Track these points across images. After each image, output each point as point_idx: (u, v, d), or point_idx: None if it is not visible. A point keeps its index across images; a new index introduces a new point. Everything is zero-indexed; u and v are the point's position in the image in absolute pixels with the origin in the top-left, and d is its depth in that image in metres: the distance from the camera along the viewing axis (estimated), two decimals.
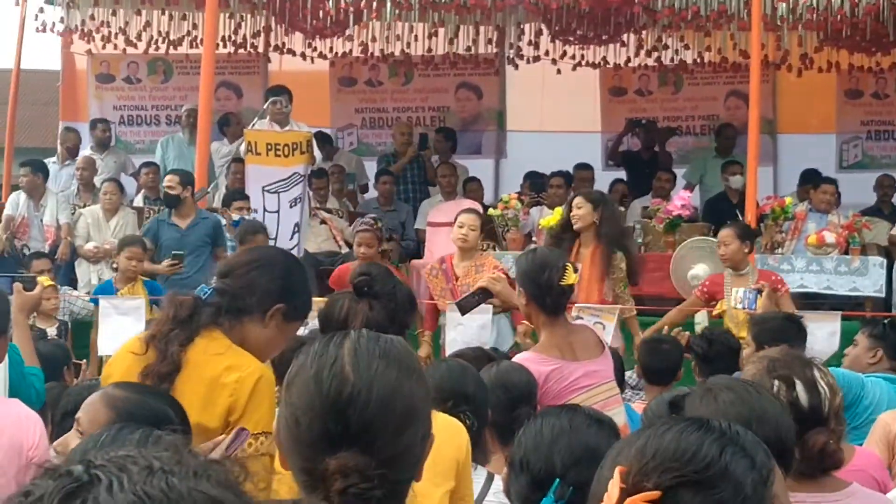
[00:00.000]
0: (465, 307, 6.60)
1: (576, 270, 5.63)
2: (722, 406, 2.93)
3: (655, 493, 1.82)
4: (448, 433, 3.67)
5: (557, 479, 2.75)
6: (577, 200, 9.17)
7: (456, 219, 9.62)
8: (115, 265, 10.32)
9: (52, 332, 9.67)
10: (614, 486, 1.87)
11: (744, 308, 8.56)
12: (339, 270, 10.01)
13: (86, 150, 14.58)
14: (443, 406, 3.99)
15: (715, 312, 9.34)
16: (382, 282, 4.06)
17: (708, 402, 3.00)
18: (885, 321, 6.92)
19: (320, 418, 2.17)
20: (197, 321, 3.68)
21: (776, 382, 3.34)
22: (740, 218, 10.86)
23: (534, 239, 11.28)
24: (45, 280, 10.17)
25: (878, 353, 6.40)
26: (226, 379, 3.57)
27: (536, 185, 13.69)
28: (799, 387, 3.33)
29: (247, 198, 11.40)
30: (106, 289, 10.26)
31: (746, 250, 9.23)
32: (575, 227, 9.02)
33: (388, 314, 4.03)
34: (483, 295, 6.36)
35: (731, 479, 1.85)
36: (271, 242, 11.17)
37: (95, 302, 10.04)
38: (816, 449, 3.24)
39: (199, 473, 1.23)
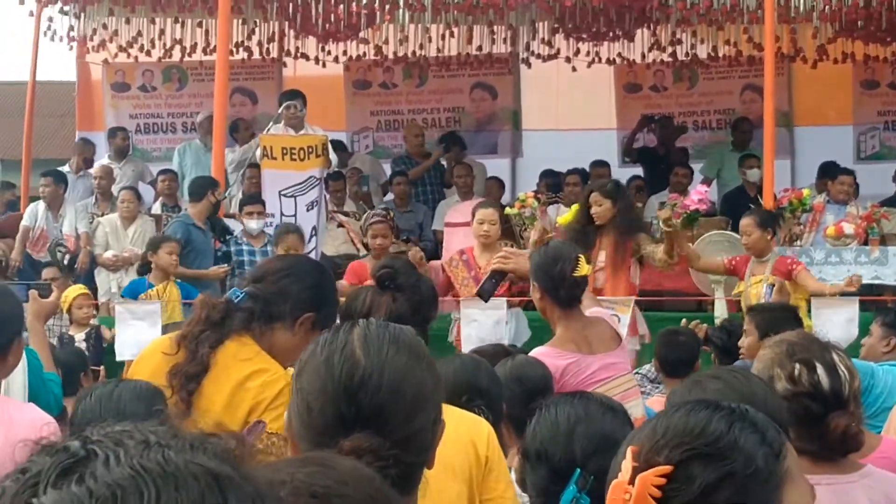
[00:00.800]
0: (485, 293, 6.57)
1: (588, 261, 5.61)
2: (710, 394, 2.93)
3: (667, 468, 1.83)
4: (468, 428, 3.65)
5: (578, 469, 2.73)
6: (595, 197, 9.24)
7: (474, 215, 9.62)
8: (150, 266, 10.32)
9: (80, 337, 9.73)
10: (627, 465, 1.87)
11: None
12: (353, 266, 9.99)
13: (103, 159, 14.61)
14: (457, 401, 3.96)
15: (734, 292, 9.52)
16: (406, 274, 4.04)
17: (696, 392, 3.03)
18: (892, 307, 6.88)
19: (332, 402, 2.18)
20: (229, 325, 3.69)
21: (797, 366, 3.32)
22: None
23: (551, 235, 11.25)
24: (80, 288, 10.29)
25: (891, 342, 6.36)
26: (251, 383, 3.58)
27: (552, 184, 13.68)
28: (820, 370, 3.30)
29: (259, 202, 11.38)
30: (139, 286, 10.30)
31: (769, 237, 9.30)
32: (597, 223, 9.17)
33: (411, 307, 3.99)
34: (498, 276, 6.33)
35: (742, 450, 1.86)
36: None
37: (128, 295, 10.14)
38: (839, 431, 3.23)
39: (195, 446, 1.23)
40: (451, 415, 3.48)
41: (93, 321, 10.20)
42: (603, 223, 9.15)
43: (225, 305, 3.75)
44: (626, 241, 9.20)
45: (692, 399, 2.70)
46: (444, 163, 14.76)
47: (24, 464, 1.23)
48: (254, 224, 11.04)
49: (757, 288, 9.13)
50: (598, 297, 8.13)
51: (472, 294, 9.08)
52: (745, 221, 9.40)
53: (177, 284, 10.17)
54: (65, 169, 14.10)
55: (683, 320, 7.65)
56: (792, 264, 9.24)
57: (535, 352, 5.64)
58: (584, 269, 5.50)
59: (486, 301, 6.96)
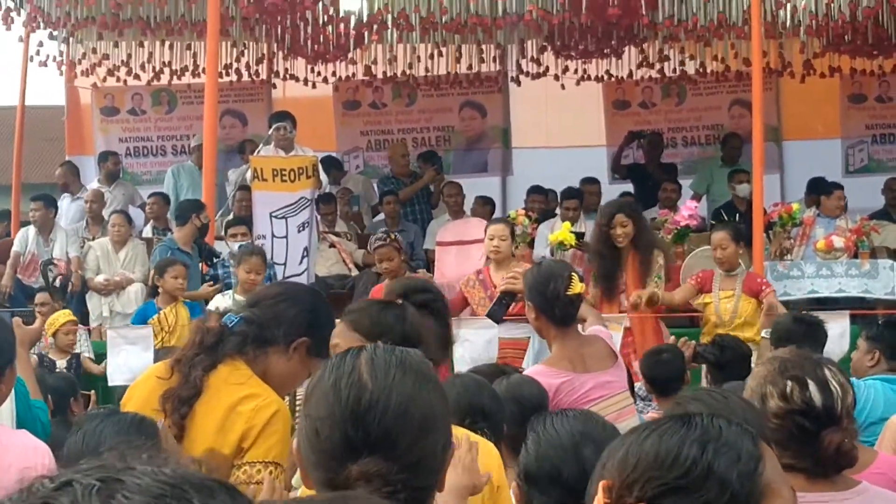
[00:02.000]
0: (495, 315, 6.57)
1: (581, 280, 5.62)
2: None
3: None
4: (483, 455, 3.57)
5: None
6: (621, 218, 9.30)
7: (486, 231, 9.70)
8: (158, 290, 10.31)
9: (61, 363, 9.70)
10: (599, 501, 1.87)
11: None
12: (376, 291, 9.96)
13: (93, 183, 14.61)
14: (460, 423, 3.91)
15: (696, 303, 9.52)
16: (443, 301, 3.98)
17: (676, 412, 3.02)
18: (881, 321, 6.83)
19: (340, 427, 2.18)
20: (222, 349, 3.69)
21: (789, 383, 3.33)
22: (746, 226, 10.86)
23: (543, 256, 11.25)
24: (67, 314, 10.27)
25: (875, 355, 6.25)
26: (243, 408, 3.58)
27: (540, 201, 13.73)
28: (812, 387, 3.31)
29: (243, 223, 11.38)
30: (148, 310, 10.29)
31: (741, 251, 9.39)
32: (621, 244, 9.26)
33: (441, 334, 3.97)
34: (508, 297, 6.33)
35: (716, 477, 1.85)
36: (280, 268, 11.22)
37: (136, 323, 10.13)
38: (832, 448, 3.23)
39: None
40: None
41: (76, 349, 10.21)
42: (625, 244, 9.26)
43: (219, 329, 3.75)
44: (648, 258, 9.30)
45: (668, 418, 2.71)
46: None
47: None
48: (236, 247, 11.00)
49: (729, 303, 9.20)
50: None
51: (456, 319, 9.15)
52: (720, 235, 9.47)
53: (185, 305, 10.16)
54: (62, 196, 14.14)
55: (672, 337, 7.65)
56: (763, 285, 9.30)
57: (530, 371, 5.67)
58: (576, 287, 5.50)
59: (497, 323, 6.95)
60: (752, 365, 7.34)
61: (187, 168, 14.56)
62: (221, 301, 9.49)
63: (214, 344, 3.71)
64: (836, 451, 3.24)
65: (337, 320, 3.76)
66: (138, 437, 3.26)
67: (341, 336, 3.48)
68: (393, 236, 10.29)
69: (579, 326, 5.90)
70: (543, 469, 2.97)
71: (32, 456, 3.80)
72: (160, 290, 10.18)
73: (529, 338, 8.59)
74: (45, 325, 5.65)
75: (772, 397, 3.33)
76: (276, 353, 3.71)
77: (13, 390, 4.55)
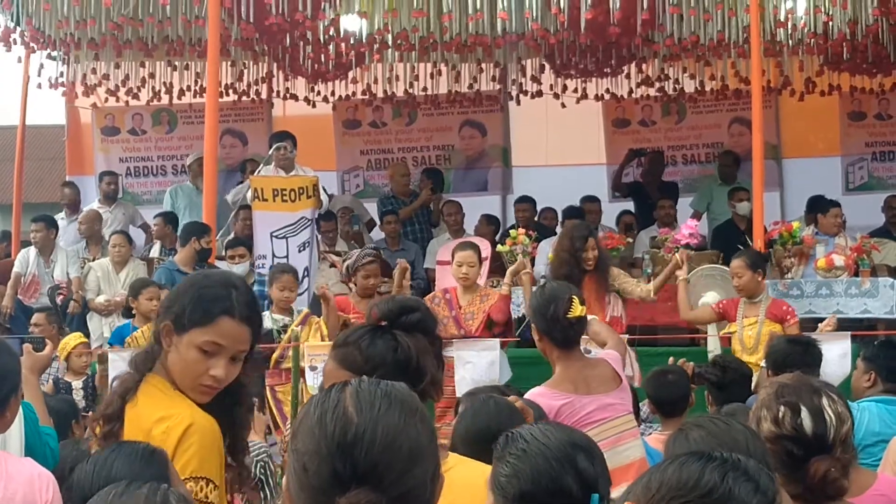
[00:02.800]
0: (525, 335, 6.58)
1: (583, 302, 5.61)
2: (693, 444, 3.01)
3: None
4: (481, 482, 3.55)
5: (595, 496, 2.74)
6: (592, 242, 9.50)
7: (453, 257, 9.78)
8: (133, 311, 10.30)
9: (77, 384, 9.69)
10: None
11: None
12: (339, 302, 9.98)
13: (94, 204, 14.61)
14: (487, 446, 3.94)
15: (723, 332, 9.60)
16: (433, 319, 3.74)
17: (680, 441, 3.08)
18: (876, 342, 6.78)
19: (327, 461, 2.18)
20: (140, 368, 3.67)
21: (782, 408, 3.36)
22: (748, 244, 10.87)
23: (543, 276, 11.25)
24: (79, 336, 10.25)
25: (871, 376, 6.21)
26: (156, 431, 3.51)
27: (528, 215, 13.84)
28: (804, 413, 3.34)
29: (241, 244, 11.36)
30: (124, 330, 10.30)
31: (759, 278, 9.36)
32: (589, 268, 9.47)
33: (436, 353, 3.79)
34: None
35: (737, 500, 1.87)
36: None
37: (113, 343, 10.12)
38: (818, 476, 3.24)
39: None
40: (472, 468, 3.47)
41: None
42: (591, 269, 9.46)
43: (143, 350, 3.76)
44: (603, 279, 9.52)
45: (681, 451, 2.72)
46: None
47: None
48: (236, 269, 11.01)
49: (752, 330, 9.18)
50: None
51: (450, 334, 9.18)
52: (736, 263, 9.46)
53: None
54: (61, 216, 14.12)
55: (671, 358, 7.64)
56: (787, 314, 9.28)
57: (532, 392, 5.65)
58: (577, 309, 5.51)
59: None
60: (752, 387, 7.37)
61: (185, 189, 14.56)
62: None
63: (136, 365, 3.69)
64: (822, 479, 3.25)
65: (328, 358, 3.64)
66: (148, 468, 3.23)
67: (332, 376, 3.38)
68: (381, 254, 10.37)
69: (598, 349, 5.92)
70: (525, 488, 2.87)
71: (37, 485, 3.81)
72: (134, 311, 10.18)
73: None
74: (55, 350, 5.60)
75: (765, 421, 3.37)
76: (165, 353, 3.65)
77: (23, 417, 4.57)
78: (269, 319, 9.52)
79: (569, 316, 5.50)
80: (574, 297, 5.58)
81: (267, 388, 9.01)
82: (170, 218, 13.41)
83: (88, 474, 3.26)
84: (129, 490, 2.78)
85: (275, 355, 9.40)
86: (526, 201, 14.18)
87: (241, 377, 3.74)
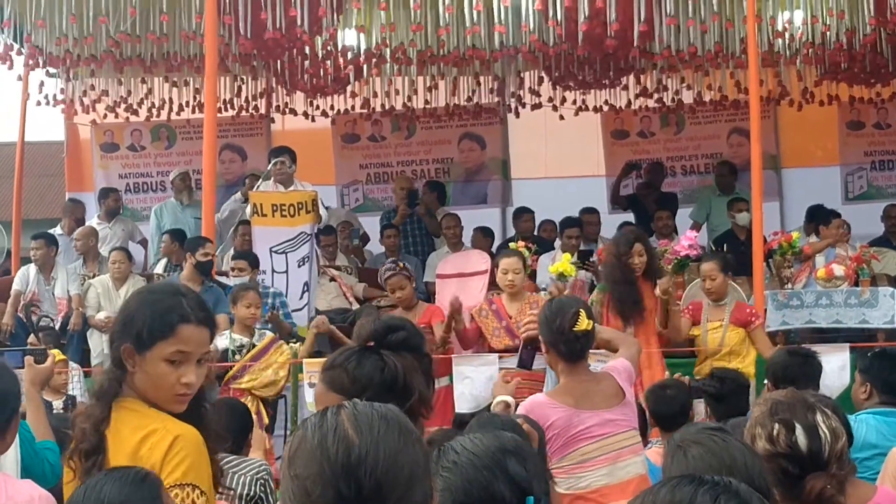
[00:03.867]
0: (525, 364, 6.57)
1: (590, 316, 5.61)
2: (692, 461, 3.00)
3: None
4: None
5: (531, 498, 2.75)
6: (639, 247, 9.35)
7: (498, 265, 9.76)
8: None
9: (58, 404, 9.65)
10: None
11: None
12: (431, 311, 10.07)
13: (92, 220, 14.62)
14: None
15: (689, 332, 9.62)
16: (420, 337, 3.75)
17: (679, 458, 3.07)
18: (870, 353, 6.73)
19: (331, 484, 2.19)
20: (107, 395, 3.65)
21: (776, 426, 3.37)
22: (746, 255, 10.87)
23: (545, 287, 11.24)
24: (57, 354, 10.22)
25: (867, 388, 6.09)
26: (143, 451, 3.52)
27: (526, 227, 13.86)
28: (799, 430, 3.34)
29: (244, 258, 11.27)
30: None
31: (729, 281, 9.42)
32: (638, 273, 9.28)
33: (424, 371, 3.75)
34: (532, 343, 6.34)
35: None
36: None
37: None
38: (814, 494, 3.24)
39: None
40: None
41: (69, 390, 10.17)
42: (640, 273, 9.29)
43: (106, 373, 3.74)
44: (654, 287, 9.29)
45: (679, 468, 2.73)
46: (425, 214, 14.74)
47: None
48: (238, 281, 10.91)
49: (717, 333, 9.21)
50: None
51: (504, 345, 9.15)
52: (709, 266, 9.54)
53: None
54: (56, 231, 14.11)
55: (666, 372, 7.65)
56: (751, 316, 9.33)
57: (531, 399, 5.72)
58: (583, 323, 5.52)
59: (529, 370, 6.96)
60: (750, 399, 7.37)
61: (169, 205, 14.56)
62: (219, 341, 9.42)
63: (103, 392, 3.67)
64: (818, 496, 3.25)
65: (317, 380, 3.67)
66: (139, 491, 3.26)
67: (322, 399, 3.39)
68: (402, 265, 10.36)
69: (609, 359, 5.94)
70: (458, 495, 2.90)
71: None
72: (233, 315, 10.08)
73: (545, 370, 8.55)
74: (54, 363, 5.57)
75: (759, 439, 3.39)
76: (130, 375, 3.64)
77: (17, 436, 4.56)
78: (228, 339, 9.49)
79: (575, 329, 5.52)
80: (581, 310, 5.59)
81: None
82: (178, 235, 13.35)
83: (79, 498, 3.28)
84: None
85: (230, 373, 9.34)
86: (526, 212, 14.17)
87: (204, 385, 3.77)
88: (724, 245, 12.76)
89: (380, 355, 3.41)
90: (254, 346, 9.55)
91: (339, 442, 2.22)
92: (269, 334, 9.80)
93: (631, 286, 9.14)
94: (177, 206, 14.31)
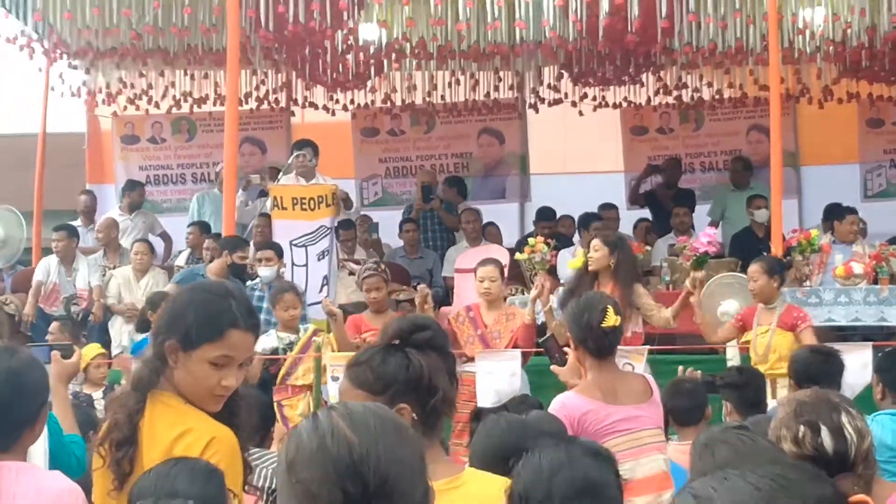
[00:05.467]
0: (557, 360, 6.60)
1: (618, 312, 5.65)
2: (720, 461, 3.03)
3: None
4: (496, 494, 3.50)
5: None
6: (595, 243, 9.33)
7: (476, 272, 9.68)
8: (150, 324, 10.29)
9: (98, 395, 9.70)
10: None
11: None
12: (352, 319, 10.00)
13: (113, 211, 14.68)
14: (504, 464, 3.82)
15: (741, 341, 9.51)
16: (445, 338, 3.67)
17: (706, 458, 3.11)
18: (880, 353, 6.67)
19: (337, 484, 2.22)
20: (144, 387, 3.65)
21: (802, 428, 3.37)
22: (766, 252, 10.86)
23: (563, 282, 11.26)
24: (97, 347, 10.26)
25: (881, 388, 6.03)
26: (177, 448, 3.51)
27: (549, 226, 13.83)
28: (824, 432, 3.34)
29: (269, 248, 11.21)
30: (144, 345, 10.31)
31: (776, 284, 9.29)
32: (590, 268, 9.24)
33: (448, 371, 3.68)
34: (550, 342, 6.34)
35: None
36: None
37: (136, 352, 10.16)
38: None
39: None
40: (485, 480, 3.47)
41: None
42: (596, 269, 9.20)
43: (141, 366, 3.73)
44: (625, 293, 9.07)
45: (708, 468, 2.74)
46: (441, 209, 14.76)
47: None
48: (265, 272, 10.84)
49: (764, 338, 9.15)
50: None
51: (478, 351, 9.14)
52: (753, 268, 9.43)
53: None
54: (76, 223, 14.17)
55: (680, 368, 7.63)
56: (798, 319, 9.19)
57: (562, 396, 5.76)
58: (611, 319, 5.59)
59: (552, 358, 6.98)
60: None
61: (212, 196, 14.47)
62: (266, 341, 9.46)
63: (140, 383, 3.67)
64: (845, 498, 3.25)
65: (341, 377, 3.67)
66: (209, 485, 3.30)
67: (346, 396, 3.37)
68: (382, 267, 10.34)
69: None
70: (517, 490, 3.02)
71: (67, 500, 3.80)
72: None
73: None
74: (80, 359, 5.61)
75: (785, 441, 3.37)
76: (171, 370, 3.63)
77: (46, 428, 4.59)
78: (276, 338, 9.55)
79: (603, 325, 5.59)
80: (609, 306, 5.66)
81: (275, 403, 9.01)
82: (205, 228, 13.37)
83: (150, 485, 3.30)
84: None
85: (282, 371, 9.42)
86: (546, 219, 14.14)
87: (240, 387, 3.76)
88: (744, 243, 12.76)
89: (405, 353, 3.39)
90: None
91: (338, 443, 2.25)
92: (311, 326, 9.84)
93: (578, 281, 9.14)
94: (219, 197, 14.21)
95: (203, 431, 3.54)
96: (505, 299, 10.03)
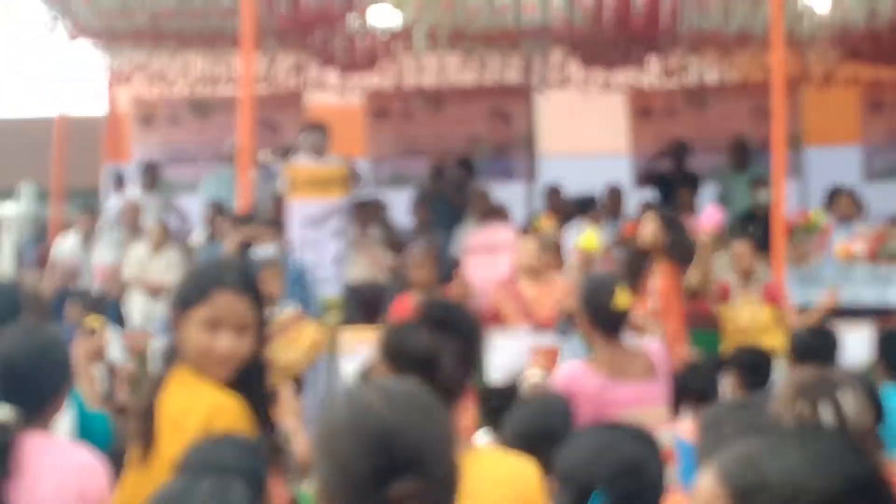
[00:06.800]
0: (566, 330, 6.72)
1: (638, 287, 5.75)
2: (726, 438, 3.04)
3: None
4: (518, 474, 3.51)
5: (594, 493, 2.94)
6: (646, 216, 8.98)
7: (515, 246, 9.79)
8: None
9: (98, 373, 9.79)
10: None
11: None
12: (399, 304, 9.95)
13: (130, 189, 14.87)
14: (534, 445, 4.01)
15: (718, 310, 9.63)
16: (466, 320, 3.67)
17: (713, 435, 3.17)
18: (882, 332, 6.73)
19: (368, 458, 2.28)
20: (165, 360, 3.78)
21: (802, 406, 3.43)
22: (766, 233, 11.02)
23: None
24: (94, 319, 10.35)
25: (881, 366, 6.13)
26: (184, 422, 3.56)
27: (559, 205, 14.00)
28: (824, 409, 3.39)
29: (269, 225, 11.29)
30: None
31: (759, 260, 9.44)
32: (641, 245, 8.69)
33: (464, 354, 3.64)
34: (570, 316, 6.44)
35: None
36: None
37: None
38: None
39: None
40: (497, 459, 3.59)
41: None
42: (648, 248, 8.65)
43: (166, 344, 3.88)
44: (680, 270, 8.68)
45: (715, 445, 2.91)
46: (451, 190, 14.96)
47: None
48: (264, 250, 10.95)
49: (749, 310, 9.28)
50: None
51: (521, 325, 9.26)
52: (738, 244, 9.57)
53: None
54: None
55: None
56: (781, 292, 9.35)
57: (567, 366, 5.93)
58: (622, 300, 5.68)
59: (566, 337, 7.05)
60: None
61: (221, 175, 14.55)
62: None
63: (162, 358, 3.83)
64: None
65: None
66: (254, 460, 3.33)
67: (375, 371, 3.49)
68: (432, 246, 10.43)
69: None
70: (562, 470, 3.12)
71: (90, 473, 3.93)
72: None
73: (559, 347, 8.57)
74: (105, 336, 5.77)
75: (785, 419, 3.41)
76: (182, 341, 3.73)
77: (69, 402, 4.67)
78: None
79: (614, 303, 5.67)
80: (620, 287, 5.73)
81: None
82: (220, 207, 13.58)
83: (196, 461, 3.29)
84: (191, 486, 2.91)
85: None
86: (555, 192, 14.32)
87: (260, 355, 3.80)
88: (745, 224, 12.90)
89: (430, 333, 3.46)
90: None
91: (370, 416, 2.30)
92: (290, 311, 9.71)
93: (633, 259, 8.74)
94: (228, 175, 14.27)
95: (204, 403, 3.59)
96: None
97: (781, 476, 1.86)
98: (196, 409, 3.57)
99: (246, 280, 3.78)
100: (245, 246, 10.88)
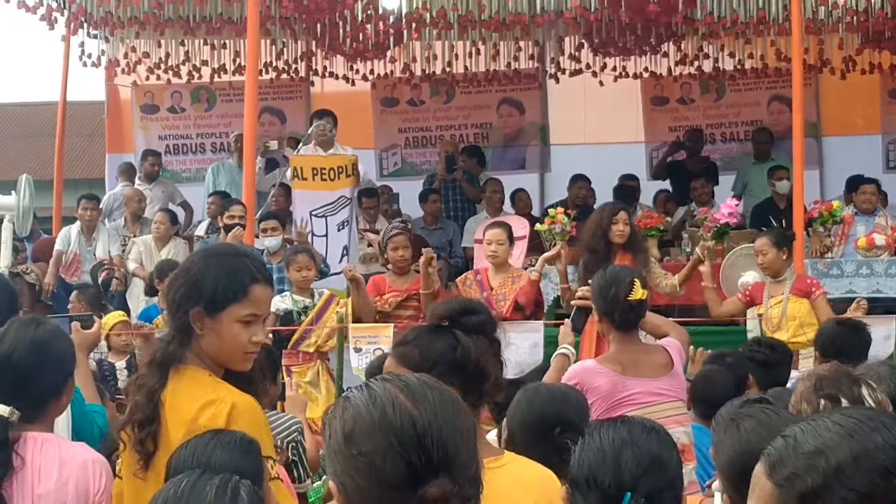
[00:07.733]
0: (576, 324, 6.68)
1: (644, 286, 5.67)
2: (744, 434, 3.05)
3: None
4: (547, 480, 3.48)
5: (629, 493, 2.80)
6: (623, 215, 9.13)
7: (484, 236, 9.71)
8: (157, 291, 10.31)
9: (121, 365, 9.65)
10: None
11: None
12: (374, 280, 10.01)
13: (134, 182, 14.70)
14: (550, 433, 4.04)
15: (755, 312, 9.50)
16: (493, 323, 3.67)
17: (731, 432, 3.11)
18: None
19: (402, 456, 2.20)
20: (166, 361, 3.66)
21: (822, 402, 3.37)
22: (786, 223, 10.82)
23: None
24: (119, 315, 10.22)
25: None
26: (202, 419, 3.51)
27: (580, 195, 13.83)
28: (845, 405, 3.33)
29: (274, 218, 11.24)
30: (151, 312, 10.37)
31: (784, 257, 9.27)
32: (617, 241, 8.94)
33: (495, 354, 3.66)
34: (585, 311, 6.39)
35: None
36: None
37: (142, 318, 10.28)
38: None
39: None
40: (524, 462, 3.50)
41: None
42: (621, 242, 8.95)
43: (158, 342, 3.78)
44: (638, 260, 8.87)
45: (733, 442, 2.72)
46: (463, 180, 14.74)
47: None
48: (269, 241, 10.91)
49: (778, 308, 9.13)
50: None
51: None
52: (761, 241, 9.41)
53: None
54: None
55: (700, 350, 7.55)
56: (812, 286, 9.17)
57: (580, 363, 5.85)
58: (638, 293, 5.63)
59: (578, 332, 7.03)
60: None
61: (227, 166, 14.49)
62: (280, 303, 9.49)
63: (157, 359, 3.67)
64: None
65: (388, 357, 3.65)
66: (247, 457, 3.32)
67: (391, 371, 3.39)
68: (409, 226, 10.34)
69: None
70: (583, 474, 2.98)
71: (91, 470, 3.86)
72: (160, 292, 10.12)
73: None
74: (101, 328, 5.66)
75: (806, 415, 3.30)
76: (197, 339, 3.65)
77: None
78: (290, 300, 9.56)
79: (630, 298, 5.63)
80: (636, 280, 5.69)
81: (283, 368, 8.97)
82: (225, 198, 13.35)
83: (187, 460, 3.30)
84: (200, 482, 2.85)
85: (295, 336, 9.42)
86: (581, 179, 14.15)
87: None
88: (765, 214, 12.70)
89: (453, 334, 3.41)
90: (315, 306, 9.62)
91: (401, 415, 2.22)
92: (326, 292, 9.85)
93: (604, 254, 8.81)
94: (234, 167, 14.19)
95: (226, 400, 3.54)
96: (525, 269, 10.01)
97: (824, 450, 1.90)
98: (217, 408, 3.52)
99: (266, 269, 3.79)
100: (228, 228, 10.80)
